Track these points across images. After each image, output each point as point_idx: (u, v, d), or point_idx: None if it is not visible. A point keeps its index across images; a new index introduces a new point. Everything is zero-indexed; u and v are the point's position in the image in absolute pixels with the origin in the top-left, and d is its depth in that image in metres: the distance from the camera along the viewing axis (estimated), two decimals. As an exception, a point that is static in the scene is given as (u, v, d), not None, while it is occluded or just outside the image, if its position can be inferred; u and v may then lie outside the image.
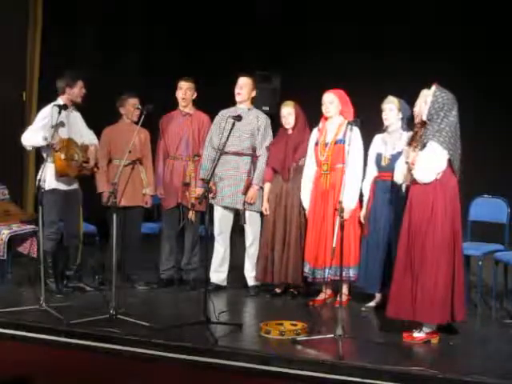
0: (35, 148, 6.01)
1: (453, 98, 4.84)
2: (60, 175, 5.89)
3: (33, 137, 5.83)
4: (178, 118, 6.41)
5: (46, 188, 5.83)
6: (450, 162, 4.79)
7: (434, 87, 4.86)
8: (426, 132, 4.82)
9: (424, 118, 4.86)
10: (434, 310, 4.78)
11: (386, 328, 5.24)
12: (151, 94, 7.15)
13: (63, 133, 5.88)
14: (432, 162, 4.77)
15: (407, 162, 4.89)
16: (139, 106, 6.17)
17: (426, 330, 4.91)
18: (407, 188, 5.10)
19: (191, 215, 6.28)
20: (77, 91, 6.01)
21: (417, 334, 4.92)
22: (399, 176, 5.15)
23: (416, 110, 5.09)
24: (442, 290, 4.77)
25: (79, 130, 6.11)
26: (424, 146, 4.80)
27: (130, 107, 6.38)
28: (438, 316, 4.82)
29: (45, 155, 5.79)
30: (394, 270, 4.95)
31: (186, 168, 6.33)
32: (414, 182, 4.88)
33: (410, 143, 4.95)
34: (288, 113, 6.10)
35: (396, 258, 4.97)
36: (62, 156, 5.80)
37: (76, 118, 6.11)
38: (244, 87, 6.23)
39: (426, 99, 4.85)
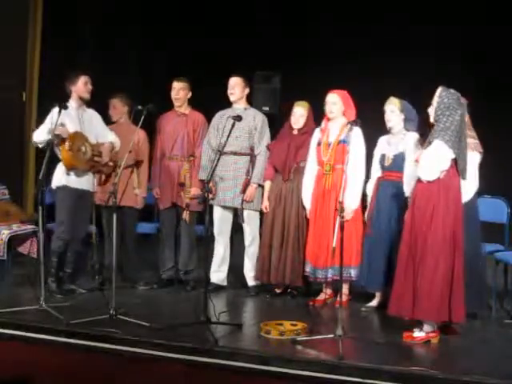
0: (44, 146, 5.93)
1: (458, 98, 4.86)
2: (68, 168, 5.82)
3: (39, 133, 5.80)
4: (173, 118, 6.41)
5: (57, 185, 5.83)
6: (454, 161, 4.81)
7: (439, 88, 4.88)
8: (432, 131, 4.84)
9: (431, 120, 4.88)
10: (431, 308, 4.78)
11: (386, 328, 5.24)
12: (151, 94, 7.15)
13: (70, 129, 5.84)
14: (436, 160, 4.78)
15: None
16: (139, 107, 6.18)
17: (426, 329, 4.91)
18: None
19: (185, 215, 6.28)
20: (81, 87, 5.95)
21: (417, 334, 4.92)
22: (407, 188, 5.30)
23: (430, 109, 5.10)
24: (440, 288, 4.77)
25: (94, 129, 6.04)
26: (429, 144, 4.82)
27: (112, 108, 6.42)
28: (435, 314, 4.81)
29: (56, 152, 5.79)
30: (396, 268, 4.95)
31: (181, 168, 6.33)
32: (417, 179, 4.90)
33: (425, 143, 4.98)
34: (300, 114, 6.07)
35: (398, 256, 4.97)
36: (67, 147, 5.71)
37: (91, 117, 6.06)
38: (235, 86, 6.24)
39: (432, 101, 4.87)
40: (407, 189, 5.49)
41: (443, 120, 4.79)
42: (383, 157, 5.74)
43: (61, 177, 5.85)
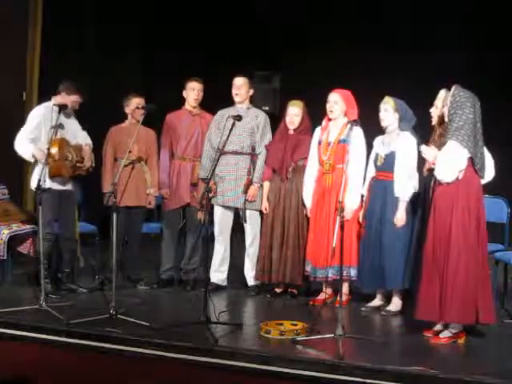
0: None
1: (471, 96, 4.82)
2: (54, 176, 5.87)
3: (22, 148, 5.89)
4: (186, 118, 6.40)
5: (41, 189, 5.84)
6: (471, 160, 4.78)
7: (453, 87, 4.86)
8: (446, 131, 4.82)
9: (446, 119, 4.86)
10: (455, 310, 4.74)
11: (386, 328, 5.23)
12: (151, 93, 7.16)
13: (57, 133, 5.88)
14: (452, 161, 4.76)
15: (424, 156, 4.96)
16: (139, 106, 6.20)
17: (452, 330, 4.89)
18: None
19: (200, 216, 6.26)
20: (69, 100, 5.97)
21: (443, 335, 4.89)
22: (398, 188, 5.41)
23: (432, 110, 5.10)
24: (463, 290, 4.73)
25: (73, 131, 6.10)
26: (444, 145, 4.80)
27: (134, 107, 6.39)
28: (460, 316, 4.78)
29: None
30: (422, 272, 4.91)
31: (194, 168, 6.33)
32: (437, 183, 4.87)
33: (428, 143, 4.97)
34: (295, 113, 6.07)
35: (423, 260, 4.94)
36: (56, 157, 5.79)
37: (69, 119, 6.10)
38: (241, 87, 6.25)
39: (446, 100, 4.85)
40: (399, 189, 5.50)
41: (456, 119, 4.76)
42: (376, 156, 5.74)
43: (44, 180, 5.85)
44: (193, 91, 6.37)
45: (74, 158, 5.97)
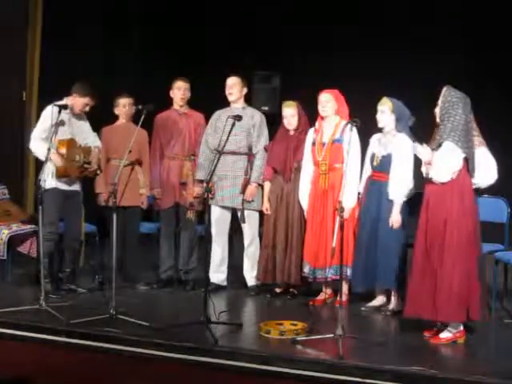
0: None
1: (462, 96, 4.84)
2: (60, 176, 5.89)
3: (38, 149, 5.89)
4: (173, 118, 6.41)
5: (46, 187, 5.84)
6: (465, 160, 4.79)
7: (444, 88, 4.87)
8: (440, 132, 4.82)
9: (437, 120, 4.87)
10: (450, 309, 4.75)
11: (386, 328, 5.23)
12: (151, 94, 7.14)
13: (65, 133, 5.90)
14: (448, 162, 4.76)
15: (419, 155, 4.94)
16: (139, 106, 6.19)
17: (452, 330, 4.89)
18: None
19: (189, 214, 6.28)
20: (79, 104, 5.99)
21: (443, 335, 4.89)
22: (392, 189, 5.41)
23: (436, 110, 5.11)
24: (458, 288, 4.74)
25: (83, 132, 6.13)
26: (439, 146, 4.80)
27: (121, 107, 6.41)
28: (454, 314, 4.79)
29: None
30: (412, 270, 4.93)
31: (183, 167, 6.33)
32: (430, 181, 4.88)
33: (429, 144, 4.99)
34: (291, 114, 6.07)
35: (413, 258, 4.94)
36: (63, 156, 5.81)
37: (81, 121, 6.12)
38: (234, 86, 6.25)
39: (438, 101, 4.87)
40: (393, 192, 5.49)
41: (450, 120, 4.77)
42: (373, 156, 5.74)
43: (50, 179, 5.87)
44: (179, 90, 6.38)
45: (81, 159, 6.00)
